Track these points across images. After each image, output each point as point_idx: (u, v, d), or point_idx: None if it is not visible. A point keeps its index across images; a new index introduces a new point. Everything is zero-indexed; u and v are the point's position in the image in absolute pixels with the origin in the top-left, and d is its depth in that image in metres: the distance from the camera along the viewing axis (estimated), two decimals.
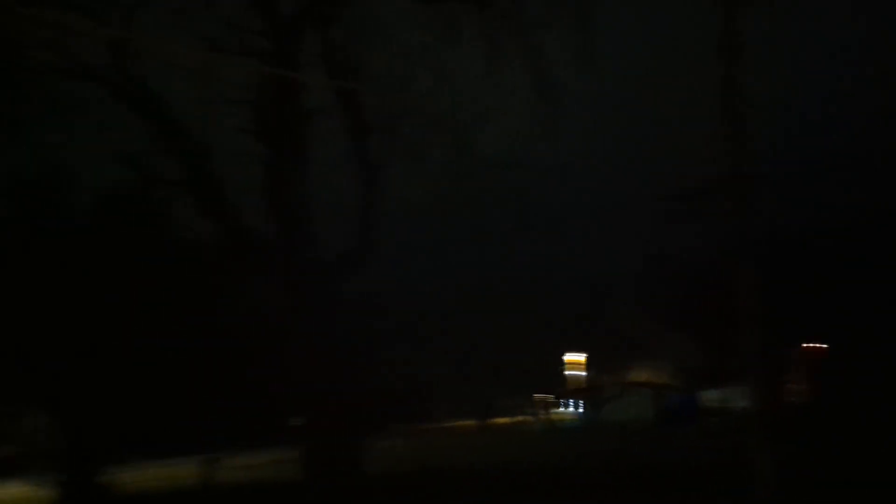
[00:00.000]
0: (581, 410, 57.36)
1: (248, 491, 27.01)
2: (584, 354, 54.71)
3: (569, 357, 55.26)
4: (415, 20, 14.06)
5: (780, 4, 11.35)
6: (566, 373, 56.59)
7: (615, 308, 44.63)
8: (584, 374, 56.61)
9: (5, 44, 11.06)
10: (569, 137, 13.56)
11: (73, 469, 28.18)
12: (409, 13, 14.07)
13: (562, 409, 60.10)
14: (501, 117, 13.55)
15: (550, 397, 56.19)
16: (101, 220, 22.08)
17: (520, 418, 63.89)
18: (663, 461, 21.10)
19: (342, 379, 13.30)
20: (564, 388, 57.91)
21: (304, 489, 13.90)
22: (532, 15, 13.12)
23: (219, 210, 14.22)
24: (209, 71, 13.90)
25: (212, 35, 13.64)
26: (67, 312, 21.54)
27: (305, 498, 13.69)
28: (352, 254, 14.67)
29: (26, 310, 21.90)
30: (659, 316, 46.44)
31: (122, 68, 12.88)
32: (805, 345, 43.05)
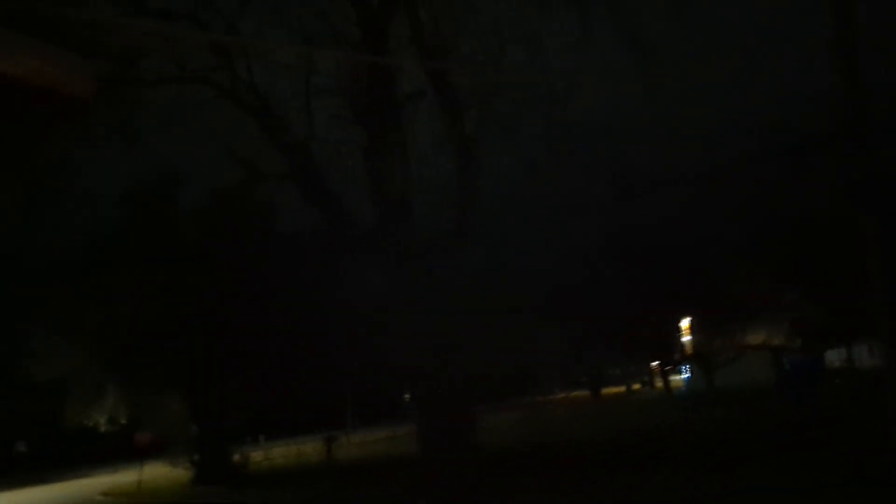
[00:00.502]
0: (688, 376, 55.82)
1: (366, 465, 28.04)
2: (688, 318, 53.03)
3: (685, 322, 53.77)
4: None
5: None
6: (682, 339, 55.13)
7: (728, 269, 42.91)
8: (688, 338, 55.00)
9: (121, 58, 11.79)
10: (666, 99, 13.09)
11: (207, 449, 30.18)
12: None
13: (678, 377, 58.72)
14: (596, 84, 13.26)
15: (664, 364, 54.95)
16: (215, 217, 23.32)
17: (634, 386, 62.98)
18: (786, 425, 20.33)
19: (454, 355, 13.52)
20: (681, 355, 56.42)
21: (420, 463, 14.28)
22: None
23: (322, 198, 14.69)
24: (305, 63, 14.39)
25: (306, 29, 14.08)
26: (193, 306, 22.97)
27: (422, 471, 14.08)
28: (453, 231, 14.84)
29: (157, 306, 23.46)
30: (774, 274, 44.32)
31: (229, 70, 13.49)
32: None
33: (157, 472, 33.28)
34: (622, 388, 64.76)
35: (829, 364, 51.53)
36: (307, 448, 39.01)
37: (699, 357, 53.43)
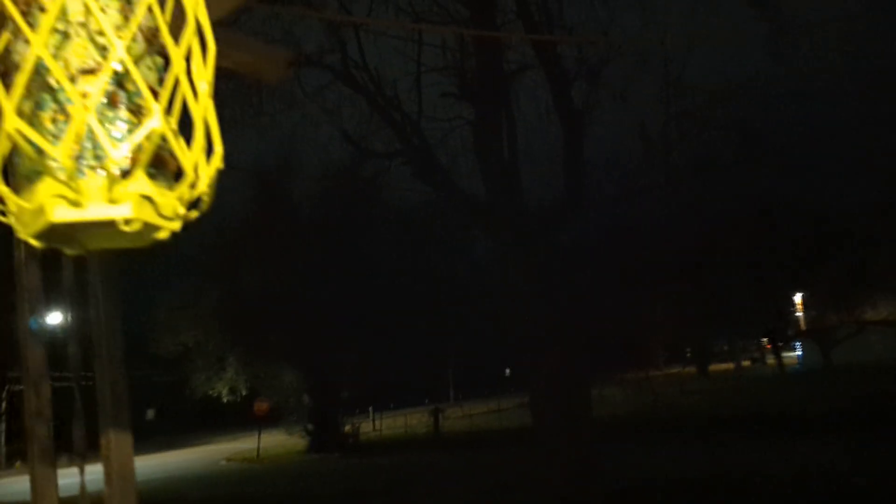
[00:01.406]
0: (800, 353, 53.40)
1: (474, 436, 28.54)
2: (800, 294, 50.62)
3: (799, 298, 51.48)
4: None
5: None
6: (796, 314, 52.83)
7: (849, 241, 40.65)
8: (801, 314, 52.56)
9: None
10: (791, 59, 12.55)
11: (320, 419, 31.54)
12: None
13: (792, 353, 56.34)
14: (717, 47, 12.87)
15: (776, 341, 52.83)
16: (329, 195, 24.18)
17: (744, 363, 60.94)
18: None
19: (567, 327, 13.58)
20: (795, 331, 54.10)
21: (530, 435, 14.47)
22: None
23: (432, 174, 14.98)
24: (416, 42, 14.66)
25: (415, 8, 14.32)
26: (308, 281, 23.97)
27: (533, 442, 14.27)
28: (562, 203, 14.82)
29: (274, 282, 24.58)
30: None
31: (341, 52, 13.92)
32: None
33: (274, 441, 35.04)
34: (731, 365, 62.72)
35: None
36: (414, 420, 40.04)
37: (815, 332, 51.10)
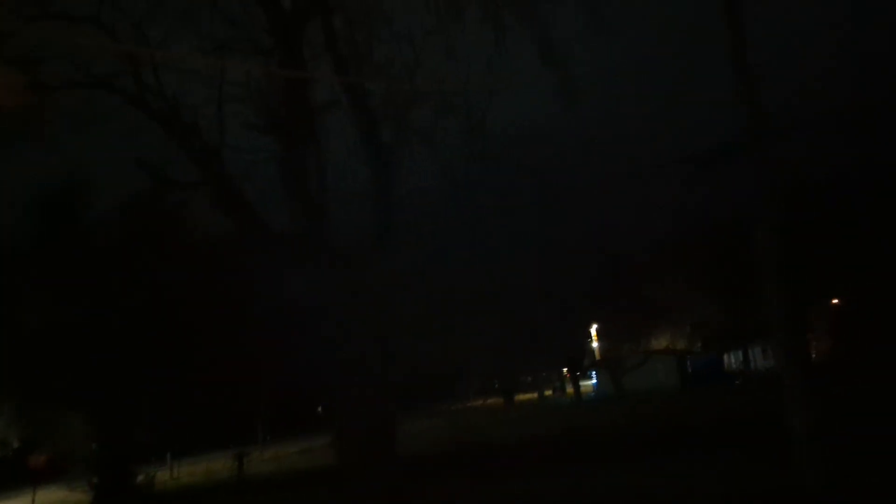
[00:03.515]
0: (596, 381, 57.42)
1: (279, 479, 27.49)
2: (596, 325, 54.72)
3: (594, 329, 55.36)
4: (417, 3, 14.09)
5: None
6: (592, 344, 56.68)
7: (635, 275, 44.58)
8: (596, 344, 56.71)
9: (21, 61, 11.24)
10: (582, 109, 13.57)
11: (108, 470, 28.80)
12: None
13: (587, 382, 60.22)
14: (513, 94, 13.60)
15: (574, 370, 56.33)
16: (122, 226, 22.44)
17: (546, 392, 64.29)
18: (691, 425, 21.24)
19: (372, 363, 13.48)
20: (590, 360, 57.96)
21: (337, 474, 14.15)
22: None
23: (233, 207, 14.40)
24: (217, 71, 14.10)
25: (217, 35, 13.81)
26: (96, 318, 21.96)
27: (340, 482, 13.95)
28: (370, 241, 14.82)
29: (56, 318, 22.29)
30: (679, 280, 46.31)
31: (136, 76, 13.07)
32: (832, 301, 42.83)
33: (53, 498, 31.55)
34: (534, 395, 65.93)
35: (727, 366, 54.15)
36: (217, 465, 37.84)
37: (607, 362, 55.15)
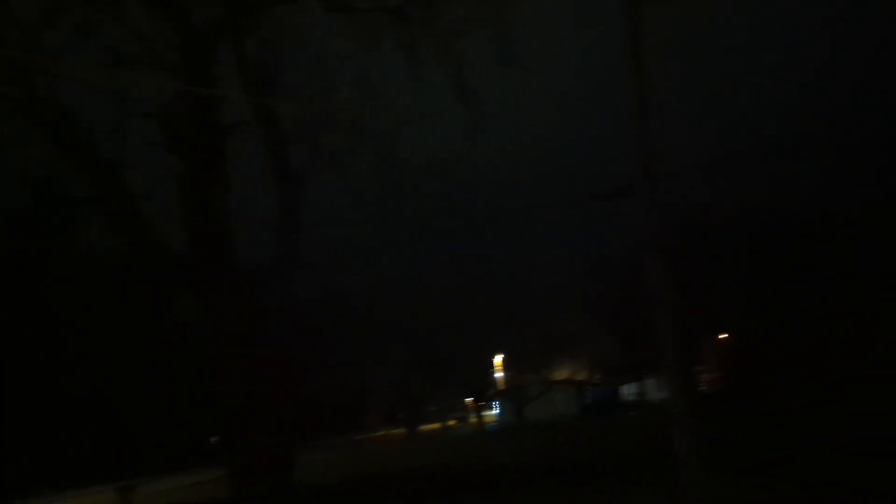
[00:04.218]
0: (499, 412, 57.93)
1: None
2: (501, 356, 55.46)
3: (498, 359, 55.99)
4: (332, 30, 14.09)
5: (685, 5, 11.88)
6: (495, 375, 57.26)
7: (539, 308, 45.61)
8: (501, 375, 57.40)
9: None
10: (492, 142, 13.86)
11: None
12: (326, 24, 14.08)
13: (490, 412, 60.64)
14: (426, 124, 13.74)
15: (478, 400, 56.68)
16: (6, 242, 21.00)
17: (450, 422, 64.24)
18: (587, 456, 21.71)
19: (270, 392, 13.13)
20: (494, 390, 58.47)
21: None
22: (450, 23, 13.33)
23: (130, 226, 13.82)
24: (118, 86, 13.57)
25: (121, 48, 13.32)
26: None
27: None
28: (275, 265, 14.52)
29: None
30: (580, 313, 47.67)
31: (27, 87, 12.39)
32: (720, 335, 44.97)
33: None
34: (438, 425, 65.78)
35: (624, 397, 55.78)
36: (100, 499, 35.68)
37: (510, 392, 55.81)
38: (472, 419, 60.22)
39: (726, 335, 45.60)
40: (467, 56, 13.39)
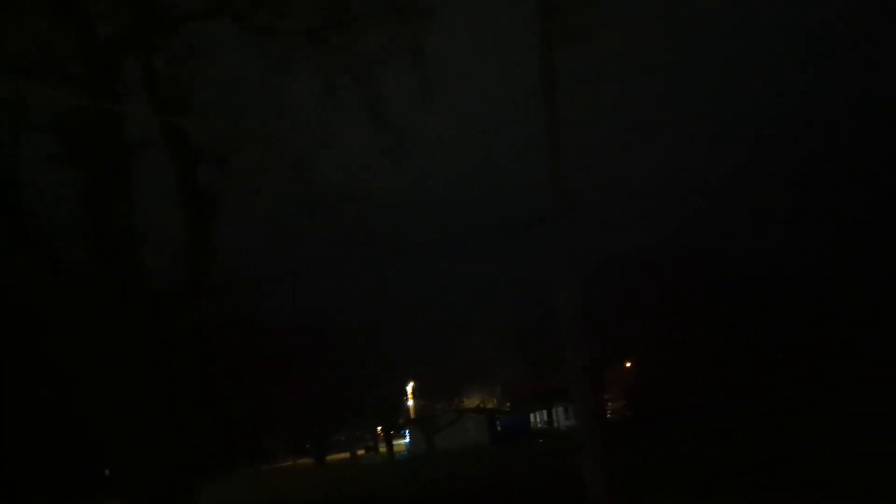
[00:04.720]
0: (409, 441, 57.57)
1: None
2: (412, 383, 55.28)
3: (411, 387, 55.68)
4: (246, 50, 13.87)
5: (596, 43, 12.33)
6: (408, 403, 56.87)
7: (451, 336, 45.74)
8: (412, 403, 57.16)
9: None
10: (409, 169, 13.89)
11: None
12: (240, 44, 13.85)
13: (401, 441, 60.07)
14: (342, 148, 13.65)
15: (389, 429, 56.10)
16: None
17: (359, 452, 63.21)
18: (497, 483, 21.77)
19: (166, 421, 12.55)
20: (405, 419, 58.01)
21: None
22: (366, 49, 13.37)
23: (22, 243, 13.07)
24: (13, 96, 12.86)
25: (19, 57, 12.67)
26: None
27: None
28: (181, 287, 14.00)
29: None
30: (492, 342, 48.11)
31: None
32: (626, 363, 46.24)
33: None
34: (347, 455, 64.59)
35: (534, 424, 56.47)
36: None
37: (421, 421, 55.53)
38: (382, 448, 59.48)
39: (630, 363, 46.94)
40: (388, 84, 13.45)
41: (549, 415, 56.42)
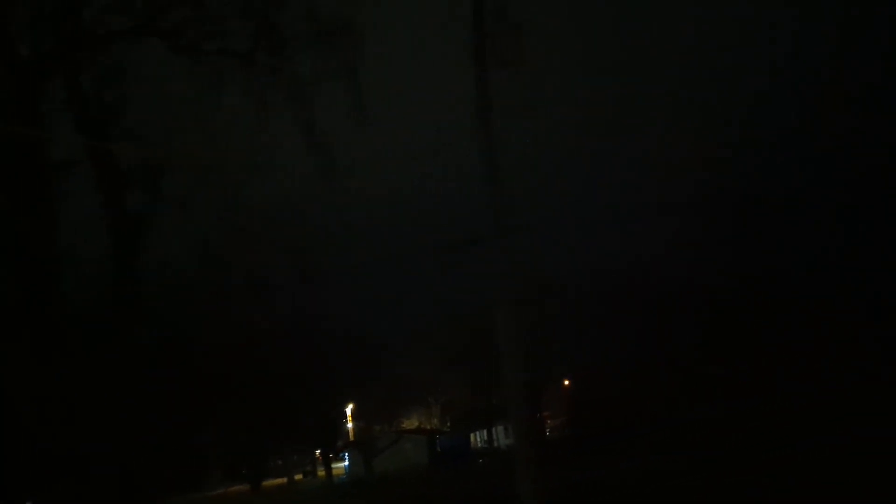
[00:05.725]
0: (347, 463, 56.78)
1: None
2: (351, 405, 54.63)
3: (350, 409, 54.96)
4: (176, 71, 13.66)
5: (532, 65, 12.54)
6: (348, 425, 56.07)
7: (391, 357, 45.50)
8: (351, 425, 56.47)
9: None
10: (345, 190, 13.84)
11: None
12: (170, 64, 13.63)
13: (340, 464, 59.13)
14: (276, 170, 13.53)
15: (327, 452, 55.15)
16: None
17: (297, 476, 61.91)
18: None
19: (95, 452, 12.09)
20: (344, 442, 57.15)
21: None
22: (299, 70, 13.32)
23: None
24: None
25: None
26: None
27: None
28: (109, 311, 13.59)
29: None
30: (431, 362, 48.03)
31: None
32: (564, 381, 46.72)
33: None
34: (284, 480, 63.16)
35: (474, 444, 56.42)
36: None
37: (360, 443, 54.77)
38: (321, 472, 58.42)
39: (568, 381, 47.50)
40: (321, 106, 13.42)
41: (490, 434, 56.47)
